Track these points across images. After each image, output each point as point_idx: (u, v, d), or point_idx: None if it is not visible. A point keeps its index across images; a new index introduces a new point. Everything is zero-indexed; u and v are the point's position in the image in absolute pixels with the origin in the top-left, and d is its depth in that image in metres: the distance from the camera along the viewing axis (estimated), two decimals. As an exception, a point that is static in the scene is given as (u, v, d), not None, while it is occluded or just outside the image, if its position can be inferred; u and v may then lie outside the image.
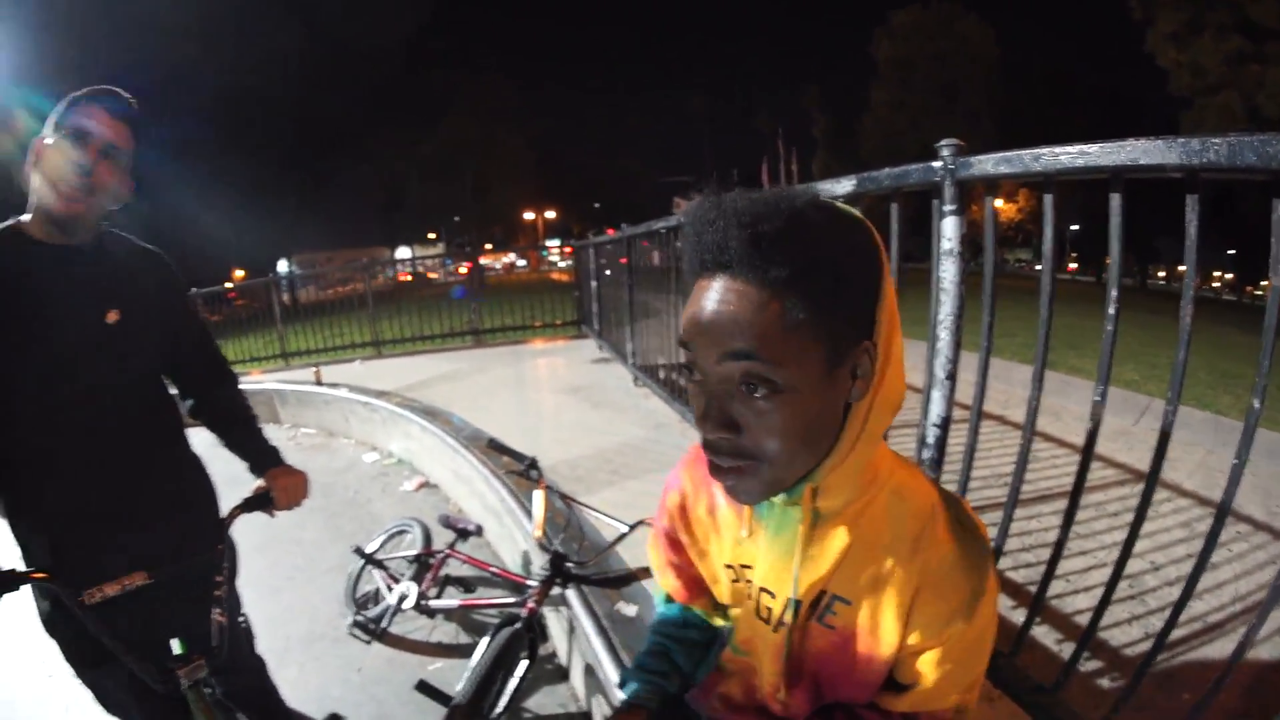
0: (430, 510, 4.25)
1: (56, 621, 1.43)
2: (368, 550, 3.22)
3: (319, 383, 6.76)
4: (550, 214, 62.62)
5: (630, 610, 2.31)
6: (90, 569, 1.37)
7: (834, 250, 0.71)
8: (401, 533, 3.38)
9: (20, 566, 1.38)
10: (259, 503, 1.66)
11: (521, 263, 25.17)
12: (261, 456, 1.76)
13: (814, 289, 0.68)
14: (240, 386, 1.88)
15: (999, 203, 1.97)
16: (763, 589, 0.91)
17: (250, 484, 1.72)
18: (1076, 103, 36.42)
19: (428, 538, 3.22)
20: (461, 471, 4.08)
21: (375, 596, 3.11)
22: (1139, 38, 26.23)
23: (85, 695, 1.55)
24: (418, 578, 2.97)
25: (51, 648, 1.49)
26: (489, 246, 53.39)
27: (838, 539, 0.83)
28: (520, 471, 2.51)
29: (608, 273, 6.67)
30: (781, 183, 41.83)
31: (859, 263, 0.72)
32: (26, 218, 1.47)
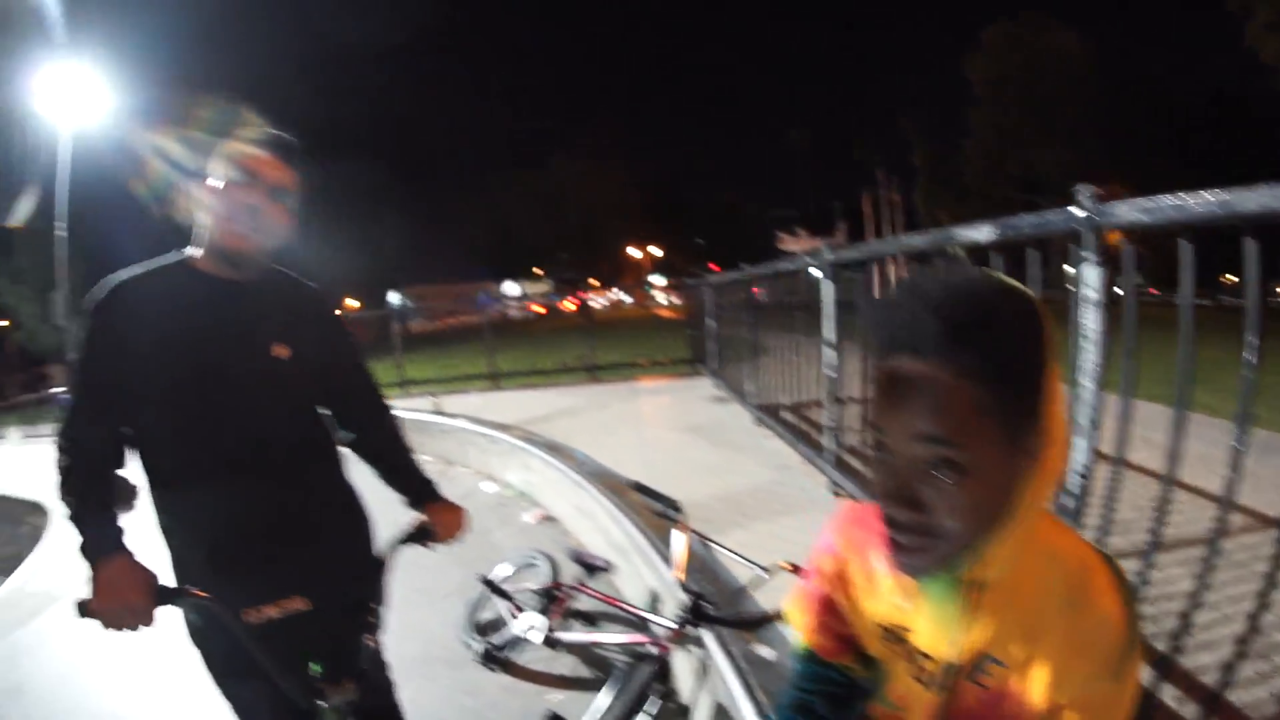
0: (550, 542, 4.28)
1: (207, 635, 1.44)
2: (492, 578, 3.25)
3: (440, 412, 6.97)
4: (655, 250, 63.34)
5: (768, 653, 2.26)
6: (247, 591, 1.42)
7: (1015, 335, 0.73)
8: (529, 565, 3.41)
9: (172, 578, 1.43)
10: (419, 536, 1.67)
11: (628, 299, 25.52)
12: (420, 490, 1.76)
13: (998, 373, 0.71)
14: (396, 418, 1.88)
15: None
16: (921, 652, 0.92)
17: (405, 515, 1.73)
18: (1178, 107, 34.09)
19: (555, 571, 3.23)
20: (585, 507, 4.10)
21: (495, 624, 3.13)
22: (1238, 32, 24.41)
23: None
24: (545, 610, 2.98)
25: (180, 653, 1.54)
26: (595, 283, 54.45)
27: (996, 605, 0.84)
28: (662, 513, 2.49)
29: (726, 311, 6.65)
30: (887, 215, 41.21)
31: (1034, 344, 0.74)
32: (194, 252, 1.51)
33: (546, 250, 53.61)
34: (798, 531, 3.37)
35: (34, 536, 8.13)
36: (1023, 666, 0.83)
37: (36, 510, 8.74)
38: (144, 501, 1.50)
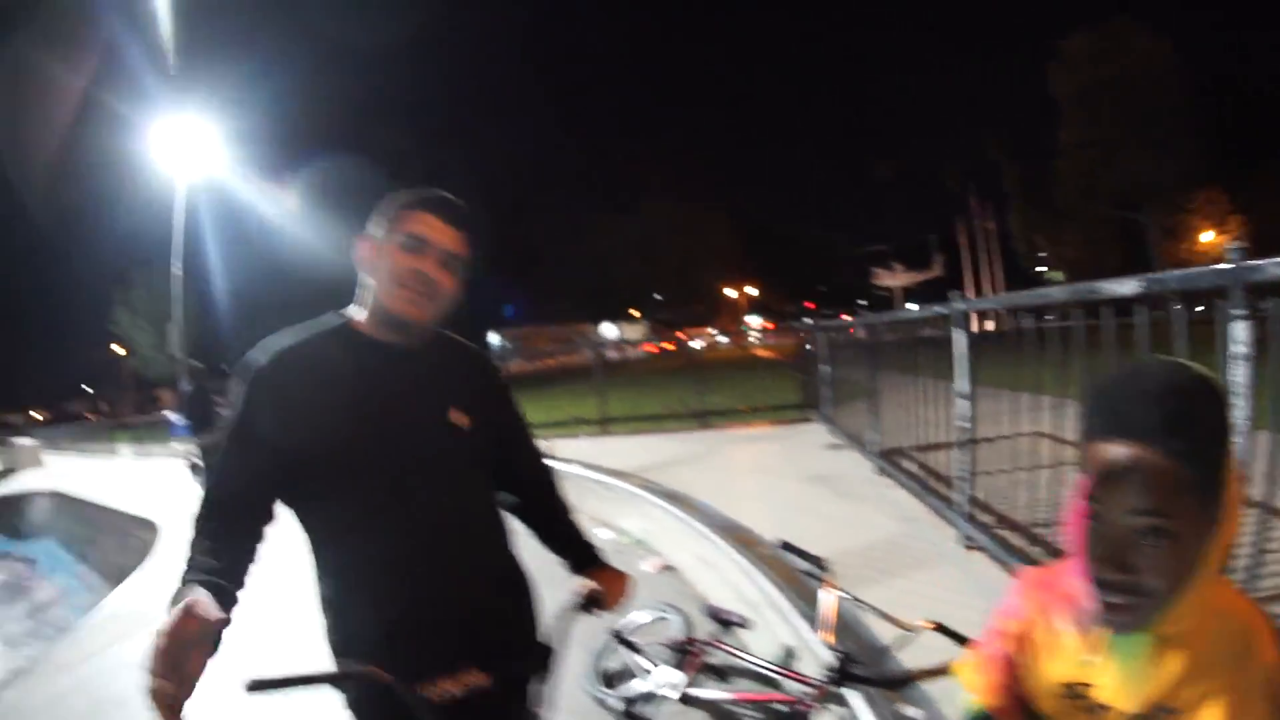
0: (672, 593, 4.28)
1: (372, 707, 1.36)
2: (620, 630, 3.25)
3: (553, 457, 7.09)
4: (750, 289, 63.19)
5: (914, 713, 2.24)
6: (424, 666, 1.34)
7: (1214, 421, 0.85)
8: (660, 618, 3.41)
9: (331, 654, 1.40)
10: (588, 603, 1.60)
11: (723, 339, 25.47)
12: (584, 555, 1.70)
13: (1202, 455, 0.83)
14: (558, 479, 1.81)
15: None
16: (1102, 705, 1.00)
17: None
18: (1275, 106, 31.28)
19: (688, 625, 3.23)
20: (709, 558, 4.09)
21: (622, 675, 3.13)
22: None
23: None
24: (678, 664, 2.97)
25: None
26: (688, 325, 54.64)
27: (1174, 658, 0.93)
28: (809, 572, 2.48)
29: (841, 355, 6.57)
30: (981, 243, 39.78)
31: (1224, 427, 0.87)
32: (357, 314, 1.45)
33: (643, 292, 54.18)
34: (930, 586, 3.28)
35: (141, 550, 8.60)
36: (1195, 714, 0.92)
37: (145, 526, 9.17)
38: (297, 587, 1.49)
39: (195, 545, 1.24)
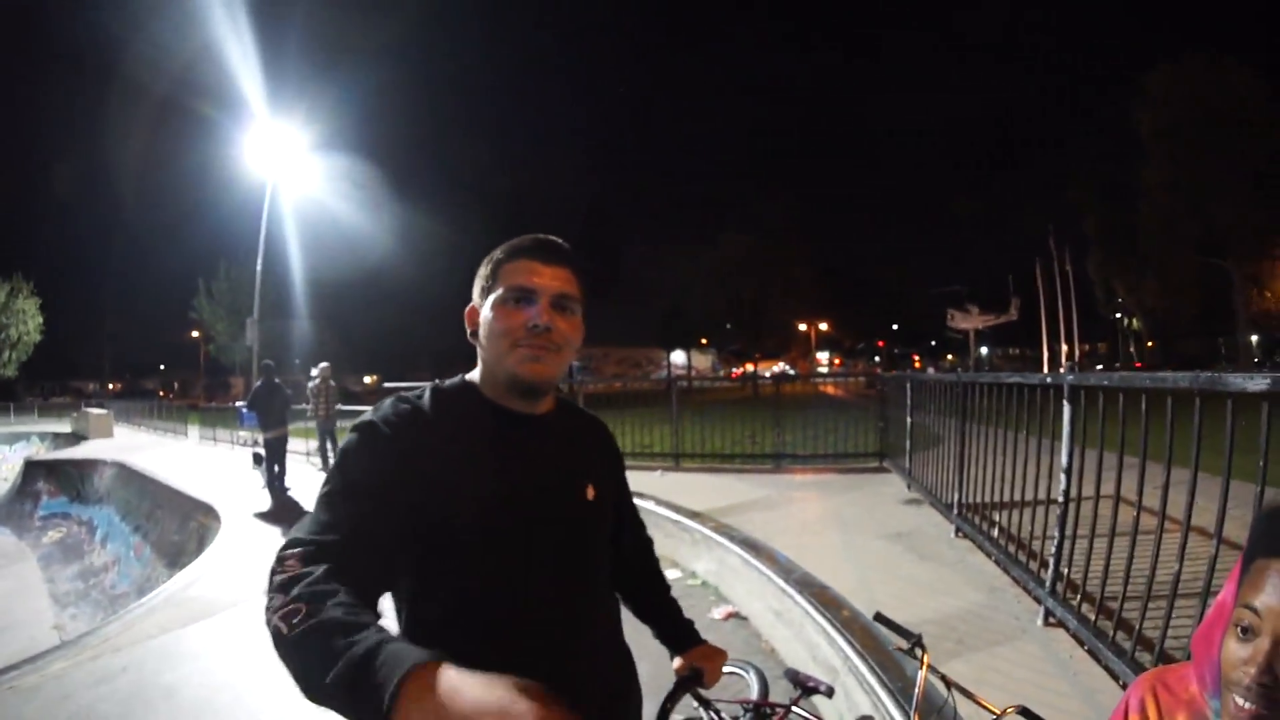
0: (740, 644, 4.20)
1: None
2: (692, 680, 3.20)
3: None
4: (823, 325, 62.55)
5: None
6: None
7: None
8: (735, 674, 3.35)
9: None
10: (689, 683, 1.60)
11: (792, 371, 25.22)
12: (683, 635, 1.66)
13: None
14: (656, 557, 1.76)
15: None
16: None
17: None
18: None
19: (765, 687, 3.15)
20: (787, 615, 4.01)
21: (671, 698, 3.07)
22: None
23: None
24: (754, 727, 2.90)
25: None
26: (759, 356, 54.25)
27: None
28: (904, 649, 2.40)
29: (925, 407, 6.42)
30: (1057, 286, 38.35)
31: None
32: (477, 379, 1.36)
33: (714, 321, 54.09)
34: (1011, 664, 3.16)
35: (200, 534, 8.89)
36: None
37: (207, 512, 9.28)
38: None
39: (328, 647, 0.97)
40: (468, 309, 1.35)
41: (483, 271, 1.33)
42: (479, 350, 1.34)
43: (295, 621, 0.88)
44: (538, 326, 1.24)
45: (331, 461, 1.36)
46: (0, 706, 3.79)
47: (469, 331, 1.35)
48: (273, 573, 1.00)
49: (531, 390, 1.30)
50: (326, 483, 1.17)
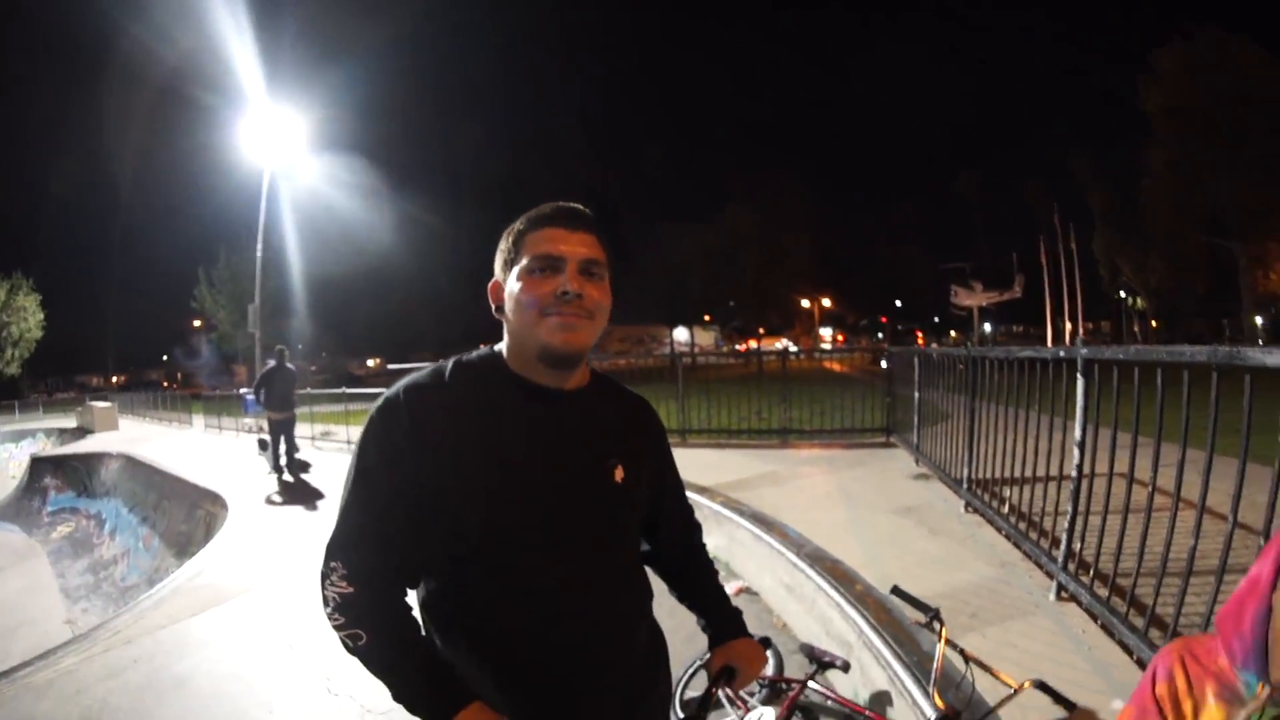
0: (751, 618, 4.20)
1: None
2: (703, 660, 3.20)
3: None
4: (826, 302, 62.39)
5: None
6: None
7: None
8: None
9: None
10: (723, 677, 1.52)
11: (794, 348, 25.19)
12: (726, 623, 1.57)
13: None
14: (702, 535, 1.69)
15: None
16: None
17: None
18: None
19: (780, 662, 3.17)
20: (799, 590, 4.03)
21: (703, 705, 3.09)
22: None
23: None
24: (770, 702, 2.92)
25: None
26: (762, 331, 54.17)
27: None
28: (922, 623, 2.41)
29: (934, 382, 6.40)
30: (1061, 264, 38.13)
31: None
32: (505, 350, 1.32)
33: (717, 298, 53.96)
34: (1024, 638, 3.17)
35: (208, 523, 8.91)
36: None
37: (214, 500, 9.29)
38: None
39: (377, 641, 1.17)
40: (491, 284, 1.32)
41: (504, 245, 1.30)
42: (505, 324, 1.30)
43: (359, 645, 1.16)
44: (568, 294, 1.21)
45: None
46: (14, 703, 3.80)
47: (494, 307, 1.32)
48: (323, 584, 1.19)
49: (564, 360, 1.26)
50: (350, 471, 1.23)
